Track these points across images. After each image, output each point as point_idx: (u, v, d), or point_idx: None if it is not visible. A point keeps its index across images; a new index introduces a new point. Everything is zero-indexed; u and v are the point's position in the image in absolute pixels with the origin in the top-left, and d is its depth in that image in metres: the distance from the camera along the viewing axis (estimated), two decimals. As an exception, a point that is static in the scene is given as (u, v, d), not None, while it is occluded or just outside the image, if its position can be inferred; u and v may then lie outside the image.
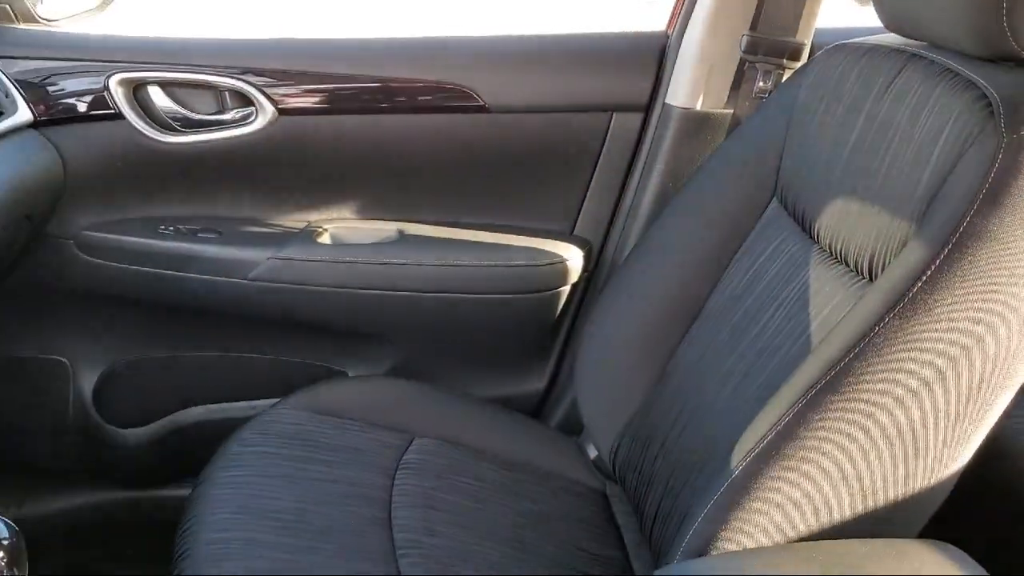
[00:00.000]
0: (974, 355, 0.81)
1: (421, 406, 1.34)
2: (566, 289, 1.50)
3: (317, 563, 1.02)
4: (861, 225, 0.97)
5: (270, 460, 1.17)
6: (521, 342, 1.56)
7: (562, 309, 1.52)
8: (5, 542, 0.69)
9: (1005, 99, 0.84)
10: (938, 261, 0.81)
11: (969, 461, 0.85)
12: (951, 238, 0.81)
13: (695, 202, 1.25)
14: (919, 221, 0.87)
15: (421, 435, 1.26)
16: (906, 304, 0.81)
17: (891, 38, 1.05)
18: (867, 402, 0.82)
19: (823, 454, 0.84)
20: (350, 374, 1.54)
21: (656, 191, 1.43)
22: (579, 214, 1.52)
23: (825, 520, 0.86)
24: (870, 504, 0.86)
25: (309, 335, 1.53)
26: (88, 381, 1.51)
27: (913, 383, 0.81)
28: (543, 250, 1.48)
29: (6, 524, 0.71)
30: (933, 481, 0.87)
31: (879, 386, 0.82)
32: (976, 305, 0.81)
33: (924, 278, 0.81)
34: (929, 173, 0.88)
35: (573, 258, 1.48)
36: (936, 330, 0.81)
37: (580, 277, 1.50)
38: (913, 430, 0.83)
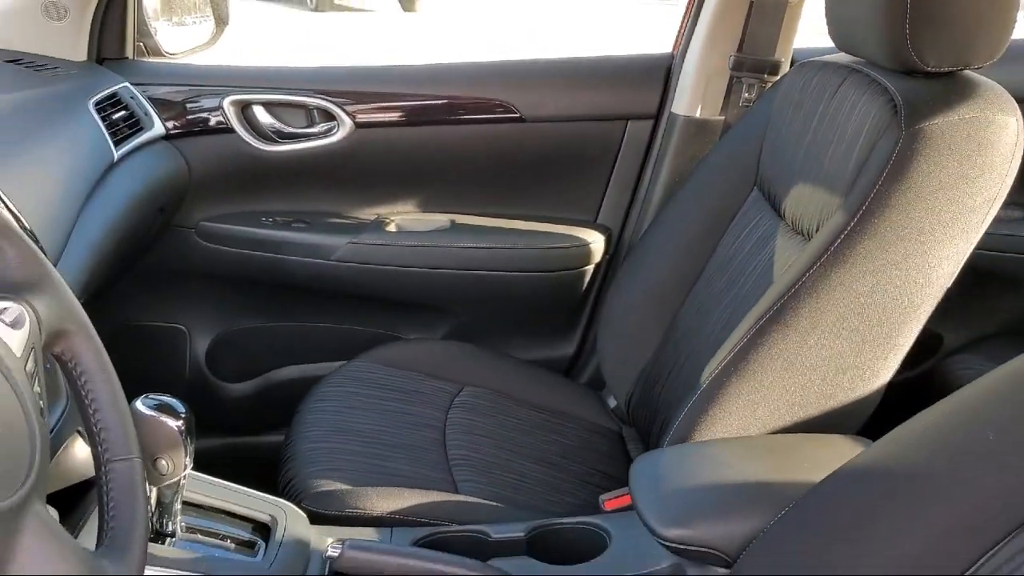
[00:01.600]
0: (880, 294, 1.08)
1: (469, 362, 1.62)
2: (591, 268, 1.78)
3: (390, 467, 1.32)
4: (811, 202, 1.23)
5: (352, 398, 1.48)
6: (553, 313, 1.84)
7: (588, 285, 1.80)
8: (183, 415, 0.99)
9: (907, 101, 1.10)
10: (852, 223, 1.08)
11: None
12: (863, 206, 1.08)
13: (693, 193, 1.52)
14: (845, 195, 1.14)
15: (469, 384, 1.54)
16: (829, 256, 1.09)
17: (842, 56, 1.30)
18: (800, 329, 1.10)
19: (767, 370, 1.12)
20: (411, 338, 1.83)
21: (664, 184, 1.70)
22: (601, 205, 1.80)
23: (772, 421, 1.13)
24: (809, 410, 1.13)
25: (378, 307, 1.83)
26: (202, 345, 1.84)
27: (834, 315, 1.09)
28: (571, 235, 1.77)
29: (180, 402, 1.00)
30: (856, 393, 1.13)
31: (809, 317, 1.09)
32: (880, 256, 1.08)
33: (842, 236, 1.08)
34: (854, 160, 1.15)
35: (596, 242, 1.76)
36: (851, 275, 1.08)
37: (602, 258, 1.79)
38: (839, 351, 1.10)
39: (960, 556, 0.66)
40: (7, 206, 0.83)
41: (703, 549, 0.94)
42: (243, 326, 1.85)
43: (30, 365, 0.70)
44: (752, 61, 1.62)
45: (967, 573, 0.65)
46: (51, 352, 0.76)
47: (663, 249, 1.51)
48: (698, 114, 1.66)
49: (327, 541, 1.05)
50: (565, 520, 1.17)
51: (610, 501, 1.18)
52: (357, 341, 1.73)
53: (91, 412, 0.77)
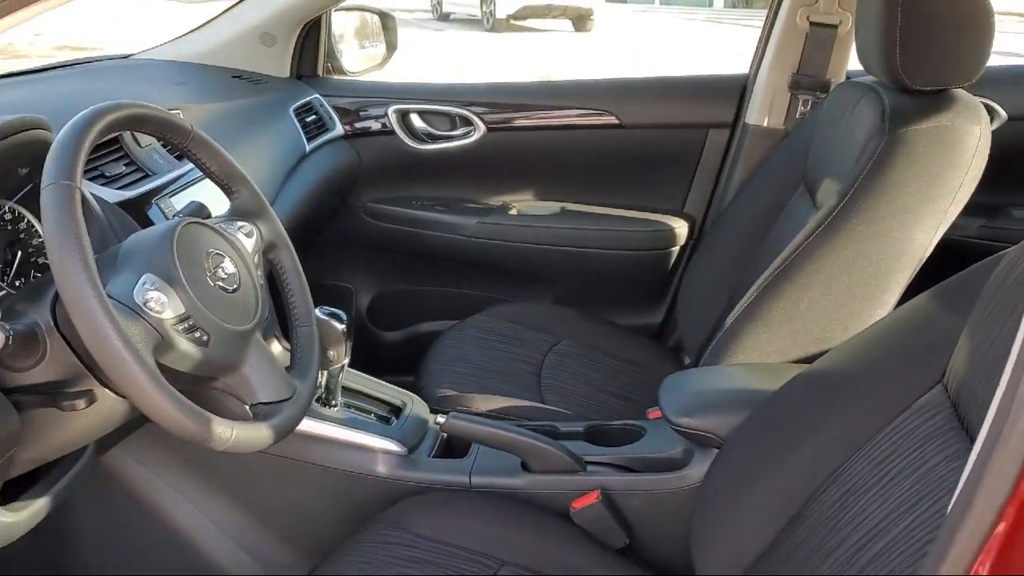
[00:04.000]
0: (863, 259, 1.39)
1: (569, 322, 1.98)
2: (676, 249, 2.14)
3: (492, 385, 1.71)
4: (827, 192, 1.55)
5: (471, 339, 1.87)
6: (644, 286, 2.21)
7: (674, 263, 2.16)
8: (345, 321, 1.42)
9: (894, 112, 1.40)
10: (840, 205, 1.39)
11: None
12: (848, 192, 1.39)
13: (754, 188, 1.85)
14: (844, 184, 1.46)
15: (567, 337, 1.92)
16: (822, 229, 1.41)
17: (869, 78, 1.60)
18: (799, 284, 1.43)
19: (774, 314, 1.45)
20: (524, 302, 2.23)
21: (737, 181, 2.04)
22: (687, 197, 2.16)
23: (779, 355, 1.46)
24: (808, 348, 1.45)
25: (499, 275, 2.24)
26: (364, 300, 2.32)
27: (825, 274, 1.41)
28: (660, 221, 2.14)
29: (343, 312, 1.42)
30: (848, 335, 1.44)
31: (805, 275, 1.42)
32: (861, 230, 1.39)
33: (832, 214, 1.40)
34: (852, 158, 1.46)
35: (680, 227, 2.12)
36: (838, 244, 1.39)
37: (687, 241, 2.14)
38: (832, 302, 1.42)
39: (859, 439, 0.97)
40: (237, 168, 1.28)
41: (702, 433, 1.30)
42: (396, 287, 2.31)
43: (256, 259, 1.17)
44: (806, 80, 1.94)
45: (861, 451, 0.97)
46: (267, 256, 1.22)
47: (727, 234, 1.85)
48: (765, 124, 2.00)
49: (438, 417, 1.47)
50: (615, 422, 1.54)
51: (652, 412, 1.54)
52: (481, 303, 2.12)
53: (288, 295, 1.22)
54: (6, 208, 1.13)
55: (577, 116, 2.14)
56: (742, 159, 2.03)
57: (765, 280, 1.46)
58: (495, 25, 14.38)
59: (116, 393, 1.00)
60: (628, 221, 2.15)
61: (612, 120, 2.11)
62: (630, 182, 2.19)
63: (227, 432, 0.96)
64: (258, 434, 1.02)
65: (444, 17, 16.35)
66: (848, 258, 1.40)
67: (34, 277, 1.14)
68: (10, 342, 0.89)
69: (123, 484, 1.43)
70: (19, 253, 1.13)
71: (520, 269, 2.22)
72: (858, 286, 1.41)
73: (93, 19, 11.77)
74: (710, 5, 19.96)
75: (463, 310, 2.06)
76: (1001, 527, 0.56)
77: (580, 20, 14.91)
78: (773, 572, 1.03)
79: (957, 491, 0.61)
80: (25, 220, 1.16)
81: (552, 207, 2.21)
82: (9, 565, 1.51)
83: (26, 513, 1.08)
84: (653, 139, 2.13)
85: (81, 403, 0.98)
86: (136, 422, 1.33)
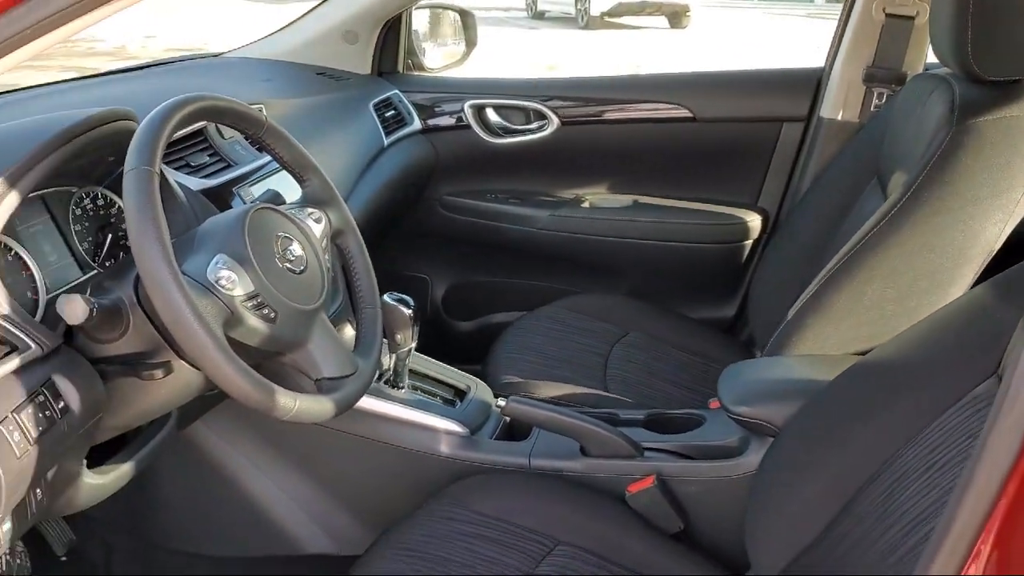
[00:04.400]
0: (928, 252, 1.38)
1: (639, 314, 2.00)
2: (749, 243, 2.13)
3: (558, 374, 1.73)
4: (899, 185, 1.53)
5: (540, 329, 1.91)
6: (717, 279, 2.21)
7: (747, 257, 2.15)
8: (412, 306, 1.46)
9: (964, 103, 1.37)
10: (907, 195, 1.38)
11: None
12: (915, 183, 1.38)
13: (827, 182, 1.83)
14: (911, 176, 1.44)
15: (634, 330, 1.93)
16: (885, 222, 1.40)
17: (944, 69, 1.57)
18: (860, 278, 1.42)
19: (835, 308, 1.44)
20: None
21: (811, 175, 2.02)
22: (760, 191, 2.15)
23: (840, 347, 1.45)
24: (871, 341, 1.44)
25: (570, 267, 2.27)
26: (440, 291, 2.39)
27: (888, 267, 1.40)
28: (733, 215, 2.13)
29: (409, 298, 1.47)
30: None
31: (867, 269, 1.41)
32: (925, 223, 1.37)
33: (896, 208, 1.39)
34: (922, 149, 1.45)
35: (753, 221, 2.12)
36: (901, 237, 1.38)
37: (760, 235, 2.13)
38: (893, 296, 1.41)
39: (912, 429, 0.98)
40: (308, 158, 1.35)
41: (758, 422, 1.31)
42: (470, 279, 2.37)
43: (324, 244, 1.23)
44: (881, 73, 1.91)
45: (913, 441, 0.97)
46: (335, 242, 1.29)
47: (800, 228, 1.84)
48: (839, 117, 1.98)
49: (499, 400, 1.51)
50: (675, 411, 1.56)
51: (714, 402, 1.55)
52: (553, 295, 2.14)
53: (354, 279, 1.29)
54: (97, 193, 1.23)
55: (651, 110, 2.15)
56: (816, 153, 2.02)
57: (828, 272, 1.45)
58: (589, 23, 14.37)
59: (190, 364, 1.08)
60: (701, 214, 2.16)
61: (686, 113, 2.12)
62: (703, 176, 2.19)
63: (290, 403, 1.02)
64: (320, 407, 1.08)
65: (539, 15, 16.39)
66: (913, 250, 1.38)
67: (121, 258, 1.23)
68: (94, 314, 0.97)
69: (203, 456, 1.52)
70: (109, 236, 1.22)
71: (592, 261, 2.25)
72: (923, 279, 1.40)
73: (199, 22, 12.25)
74: (812, 0, 19.59)
75: (535, 302, 2.09)
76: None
77: (675, 17, 14.76)
78: (822, 560, 1.04)
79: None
80: (116, 205, 1.25)
81: (624, 200, 2.23)
82: (96, 525, 1.62)
83: (112, 476, 1.17)
84: (727, 133, 2.13)
85: (159, 373, 1.06)
86: (215, 398, 1.42)
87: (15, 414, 0.93)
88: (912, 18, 1.87)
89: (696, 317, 2.17)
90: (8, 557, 1.47)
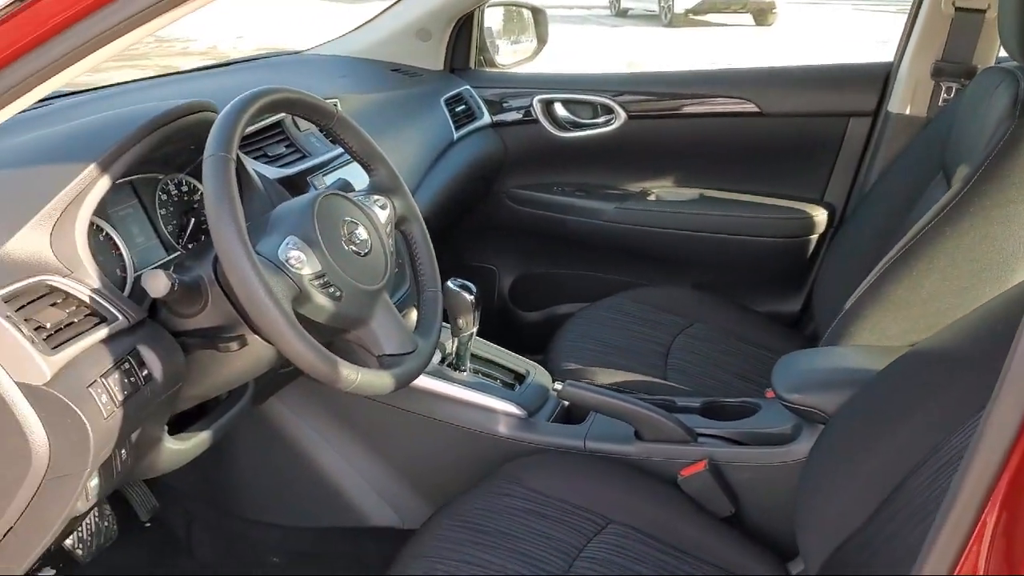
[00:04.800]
0: (986, 244, 1.36)
1: (703, 306, 2.01)
2: (815, 238, 2.13)
3: (618, 363, 1.78)
4: (960, 178, 1.52)
5: (602, 320, 1.94)
6: (783, 273, 2.21)
7: (812, 252, 2.15)
8: (474, 292, 1.52)
9: None
10: (967, 187, 1.38)
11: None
12: (976, 174, 1.38)
13: (895, 177, 1.83)
14: (971, 169, 1.43)
15: (698, 321, 1.95)
16: (948, 210, 1.39)
17: (1013, 63, 1.56)
18: (919, 269, 1.42)
19: (892, 299, 1.45)
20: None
21: (878, 170, 2.01)
22: (827, 186, 2.14)
23: (898, 339, 1.46)
24: (929, 333, 1.44)
25: (635, 260, 2.30)
26: (507, 282, 2.44)
27: (946, 259, 1.40)
28: (799, 209, 2.14)
29: (472, 284, 1.53)
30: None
31: (926, 260, 1.41)
32: (984, 215, 1.36)
33: (958, 197, 1.38)
34: (984, 143, 1.44)
35: (819, 215, 2.12)
36: (959, 229, 1.37)
37: (827, 230, 2.13)
38: (951, 288, 1.41)
39: (960, 416, 0.99)
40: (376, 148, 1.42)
41: (810, 409, 1.33)
42: (536, 270, 2.42)
43: (388, 230, 1.30)
44: (950, 67, 1.89)
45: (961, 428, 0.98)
46: (399, 228, 1.35)
47: (866, 223, 1.84)
48: (907, 112, 1.96)
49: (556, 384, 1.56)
50: (731, 399, 1.58)
51: (770, 392, 1.57)
52: (618, 287, 2.18)
53: (416, 263, 1.35)
54: (181, 180, 1.32)
55: (718, 104, 2.17)
56: (883, 148, 2.01)
57: (886, 263, 1.46)
58: (673, 20, 14.24)
59: (263, 338, 1.16)
60: (767, 208, 2.16)
61: (753, 108, 2.13)
62: (769, 170, 2.20)
63: (353, 375, 1.09)
64: (381, 381, 1.15)
65: (622, 13, 16.33)
66: (972, 243, 1.38)
67: (202, 240, 1.32)
68: (175, 288, 1.05)
69: (278, 431, 1.61)
70: (192, 220, 1.31)
71: (657, 254, 2.27)
72: (983, 271, 1.39)
73: (286, 22, 12.59)
74: (903, -5, 18.83)
75: (601, 293, 2.12)
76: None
77: (761, 14, 14.52)
78: (867, 544, 1.06)
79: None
80: (198, 192, 1.34)
81: (690, 193, 2.25)
82: (178, 495, 1.73)
83: (191, 443, 1.26)
84: (794, 127, 2.13)
85: (235, 345, 1.14)
86: (288, 376, 1.50)
87: (103, 379, 1.02)
88: (983, 11, 1.85)
89: (761, 311, 2.17)
90: (97, 519, 1.59)
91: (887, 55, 2.09)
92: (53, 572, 1.65)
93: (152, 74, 1.82)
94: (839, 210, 2.14)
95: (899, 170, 1.82)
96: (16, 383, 0.96)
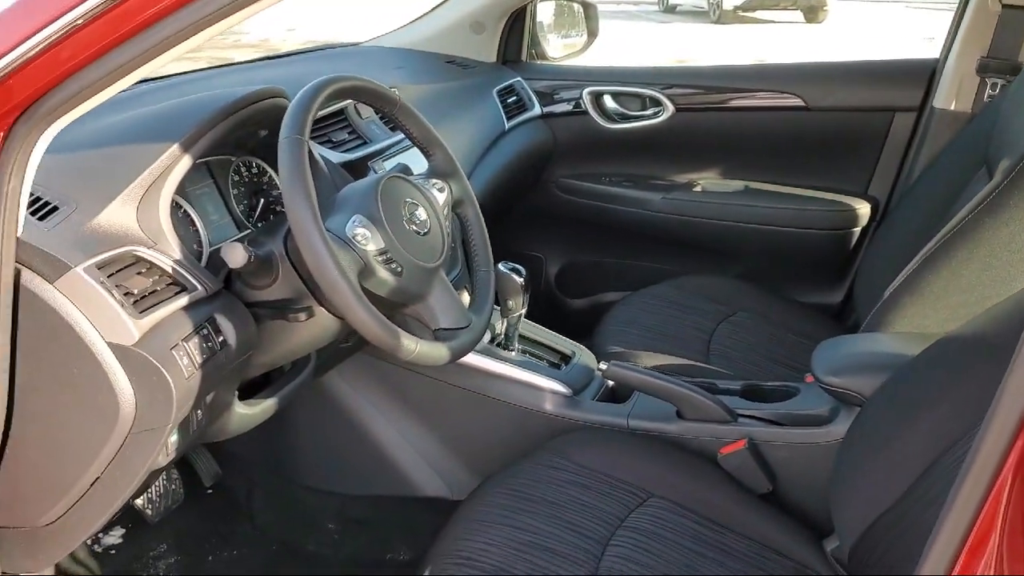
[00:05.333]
0: None
1: (745, 296, 2.04)
2: (857, 231, 2.17)
3: (662, 347, 1.82)
4: (1002, 171, 1.55)
5: (647, 307, 2.00)
6: (825, 265, 2.25)
7: (855, 245, 2.19)
8: (523, 275, 1.59)
9: None
10: (1008, 178, 1.40)
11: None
12: (1017, 166, 1.39)
13: (938, 172, 1.86)
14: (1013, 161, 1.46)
15: (742, 310, 1.99)
16: (988, 201, 1.42)
17: None
18: (959, 259, 1.45)
19: (934, 286, 1.48)
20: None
21: (922, 165, 2.04)
22: (871, 180, 2.18)
23: (936, 328, 1.49)
24: (963, 320, 1.48)
25: (679, 249, 2.36)
26: (553, 269, 2.51)
27: (986, 250, 1.43)
28: (842, 202, 2.17)
29: (521, 267, 1.60)
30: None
31: (965, 250, 1.44)
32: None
33: (999, 188, 1.40)
34: None
35: (863, 208, 2.15)
36: (1002, 217, 1.40)
37: (869, 223, 2.16)
38: (992, 279, 1.44)
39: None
40: (435, 134, 1.50)
41: (846, 391, 1.38)
42: (583, 258, 2.49)
43: (446, 211, 1.38)
44: (996, 63, 1.92)
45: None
46: (455, 211, 1.43)
47: (908, 217, 1.87)
48: (952, 108, 1.99)
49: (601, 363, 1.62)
50: (771, 383, 1.63)
51: (809, 376, 1.61)
52: (663, 275, 2.22)
53: (470, 244, 1.43)
54: (252, 163, 1.40)
55: (764, 98, 2.21)
56: (928, 143, 2.04)
57: (926, 253, 1.50)
58: (722, 16, 14.19)
59: (329, 311, 1.24)
60: (811, 201, 2.20)
61: (799, 102, 2.17)
62: (814, 163, 2.23)
63: (412, 345, 1.17)
64: (437, 352, 1.23)
65: (670, 9, 16.29)
66: (1012, 233, 1.41)
67: (272, 219, 1.40)
68: (251, 260, 1.14)
69: (337, 404, 1.70)
70: (262, 200, 1.40)
71: (703, 244, 2.32)
72: (1022, 261, 1.42)
73: (336, 15, 12.74)
74: (957, -8, 18.54)
75: (646, 282, 2.16)
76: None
77: (811, 11, 14.39)
78: (897, 522, 1.10)
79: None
80: (267, 174, 1.42)
81: (736, 185, 2.30)
82: (241, 463, 1.82)
83: (258, 409, 1.34)
84: (839, 122, 2.17)
85: (303, 316, 1.22)
86: (348, 351, 1.58)
87: (184, 342, 1.11)
88: (1030, 8, 1.88)
89: (804, 301, 2.22)
90: (165, 482, 1.69)
91: (933, 51, 2.12)
92: (123, 531, 1.76)
93: (204, 66, 1.92)
94: (882, 204, 2.17)
95: (943, 165, 1.85)
96: (107, 343, 1.05)
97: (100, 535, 1.71)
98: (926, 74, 2.07)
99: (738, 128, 2.27)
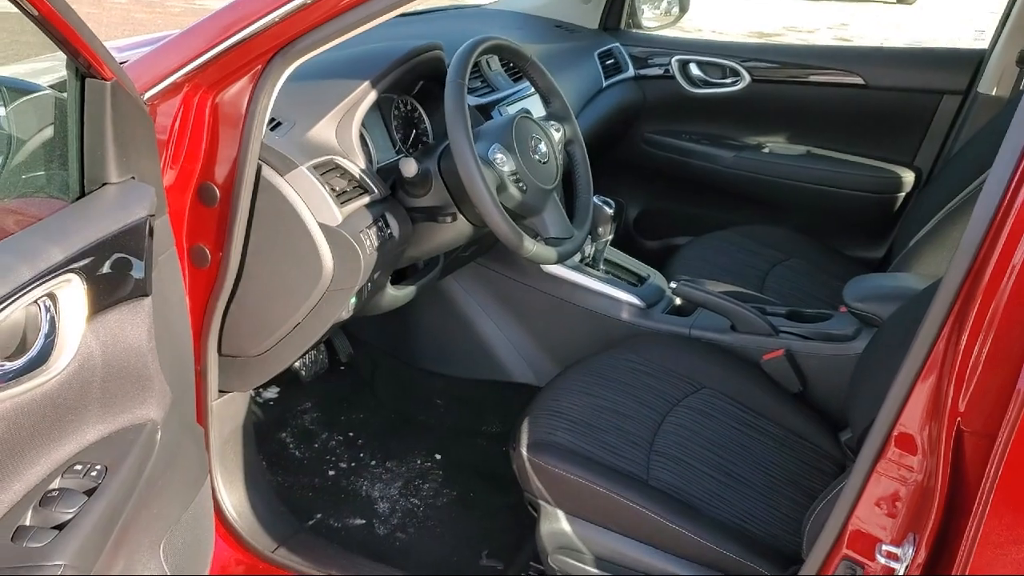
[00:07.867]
0: None
1: (798, 244, 2.33)
2: (902, 196, 2.48)
3: (731, 281, 2.14)
4: None
5: (713, 248, 2.32)
6: (871, 224, 2.56)
7: (899, 207, 2.50)
8: (612, 206, 1.96)
9: None
10: None
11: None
12: None
13: (977, 145, 2.14)
14: None
15: (796, 256, 2.30)
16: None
17: None
18: None
19: (953, 235, 1.80)
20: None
21: (964, 140, 2.33)
22: (917, 152, 2.49)
23: None
24: None
25: (746, 201, 2.68)
26: (633, 213, 2.87)
27: None
28: (891, 170, 2.48)
29: (612, 200, 1.97)
30: None
31: None
32: None
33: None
34: None
35: (908, 176, 2.46)
36: None
37: (912, 190, 2.47)
38: None
39: None
40: (555, 86, 1.87)
41: (867, 314, 1.72)
42: (659, 206, 2.84)
43: (559, 148, 1.75)
44: None
45: None
46: (567, 148, 1.80)
47: (946, 183, 2.16)
48: (994, 92, 2.28)
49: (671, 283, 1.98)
50: (810, 310, 1.96)
51: (843, 308, 1.94)
52: (728, 223, 2.53)
53: (576, 175, 1.80)
54: (408, 101, 1.79)
55: (829, 75, 2.53)
56: (969, 122, 2.32)
57: (950, 208, 1.81)
58: (815, -7, 14.06)
59: (467, 218, 1.62)
60: (863, 167, 2.52)
61: (859, 81, 2.48)
62: (868, 135, 2.54)
63: (531, 245, 1.55)
64: (547, 253, 1.60)
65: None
66: None
67: (421, 147, 1.78)
68: (418, 172, 1.53)
69: (450, 301, 2.09)
70: (414, 131, 1.78)
71: (765, 199, 2.65)
72: None
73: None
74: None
75: (713, 229, 2.45)
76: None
77: (904, -8, 14.19)
78: None
79: None
80: (418, 111, 1.81)
81: (799, 149, 2.62)
82: (368, 347, 2.23)
83: (402, 293, 1.74)
84: (893, 100, 2.47)
85: (448, 219, 1.61)
86: (467, 259, 1.97)
87: (367, 229, 1.50)
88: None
89: (850, 255, 2.53)
90: (315, 352, 2.11)
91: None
92: (278, 390, 2.19)
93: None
94: (925, 173, 2.48)
95: (979, 141, 2.14)
96: (318, 223, 1.44)
97: (261, 390, 2.15)
98: (974, 62, 2.36)
99: (804, 100, 2.59)
